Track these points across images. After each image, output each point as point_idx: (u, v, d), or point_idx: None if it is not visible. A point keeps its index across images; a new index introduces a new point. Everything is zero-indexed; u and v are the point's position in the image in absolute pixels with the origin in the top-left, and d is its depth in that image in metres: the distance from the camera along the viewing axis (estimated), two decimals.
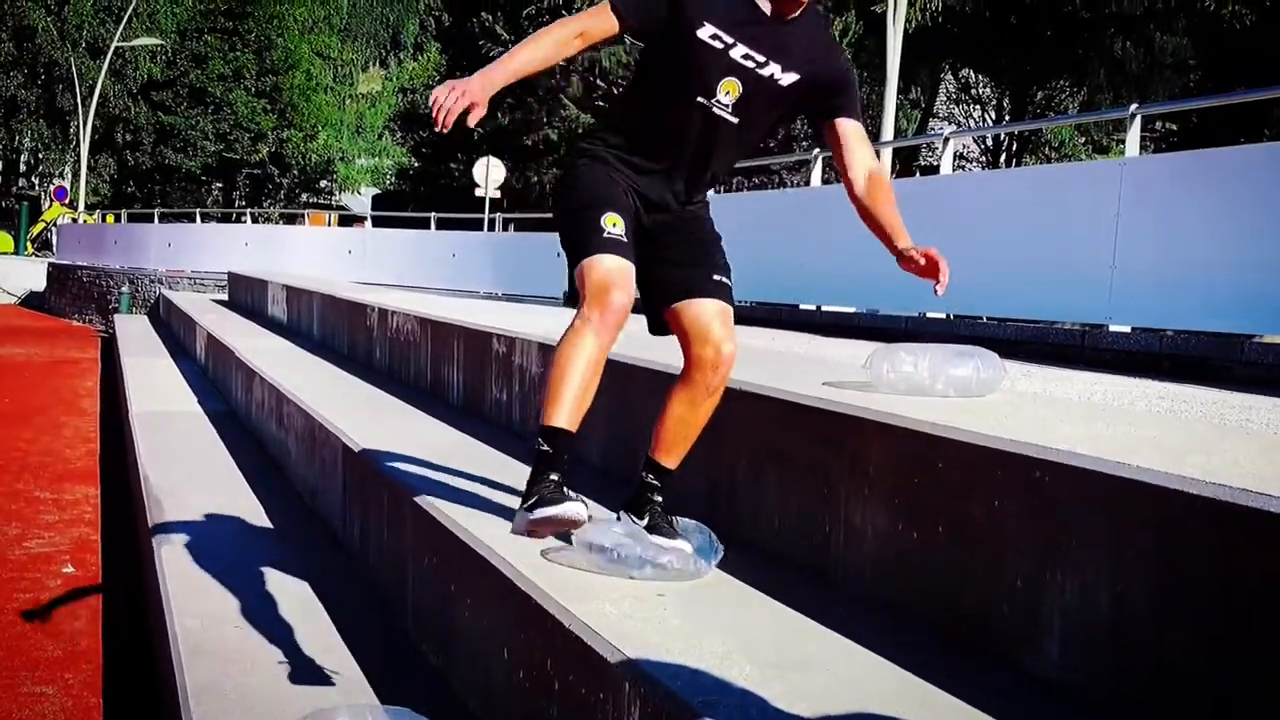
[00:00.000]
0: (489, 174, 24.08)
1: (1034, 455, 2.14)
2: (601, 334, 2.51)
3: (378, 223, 24.89)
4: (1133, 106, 7.23)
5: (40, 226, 39.13)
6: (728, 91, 2.61)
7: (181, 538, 4.51)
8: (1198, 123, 22.53)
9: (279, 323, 11.68)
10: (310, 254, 20.71)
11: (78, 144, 39.09)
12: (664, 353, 3.12)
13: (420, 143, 32.48)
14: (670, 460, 2.75)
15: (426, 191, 31.28)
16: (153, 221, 27.69)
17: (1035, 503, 2.13)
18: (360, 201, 47.24)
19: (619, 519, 2.75)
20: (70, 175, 42.88)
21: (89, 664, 4.38)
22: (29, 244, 38.83)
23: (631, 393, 3.58)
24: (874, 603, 2.52)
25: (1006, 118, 33.85)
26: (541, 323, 5.59)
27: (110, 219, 32.98)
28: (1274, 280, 5.82)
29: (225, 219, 33.47)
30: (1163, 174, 6.98)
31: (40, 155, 44.82)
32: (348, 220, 32.24)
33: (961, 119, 37.50)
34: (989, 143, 33.34)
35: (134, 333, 15.29)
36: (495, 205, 23.76)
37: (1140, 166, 6.94)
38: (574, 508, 2.46)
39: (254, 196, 42.13)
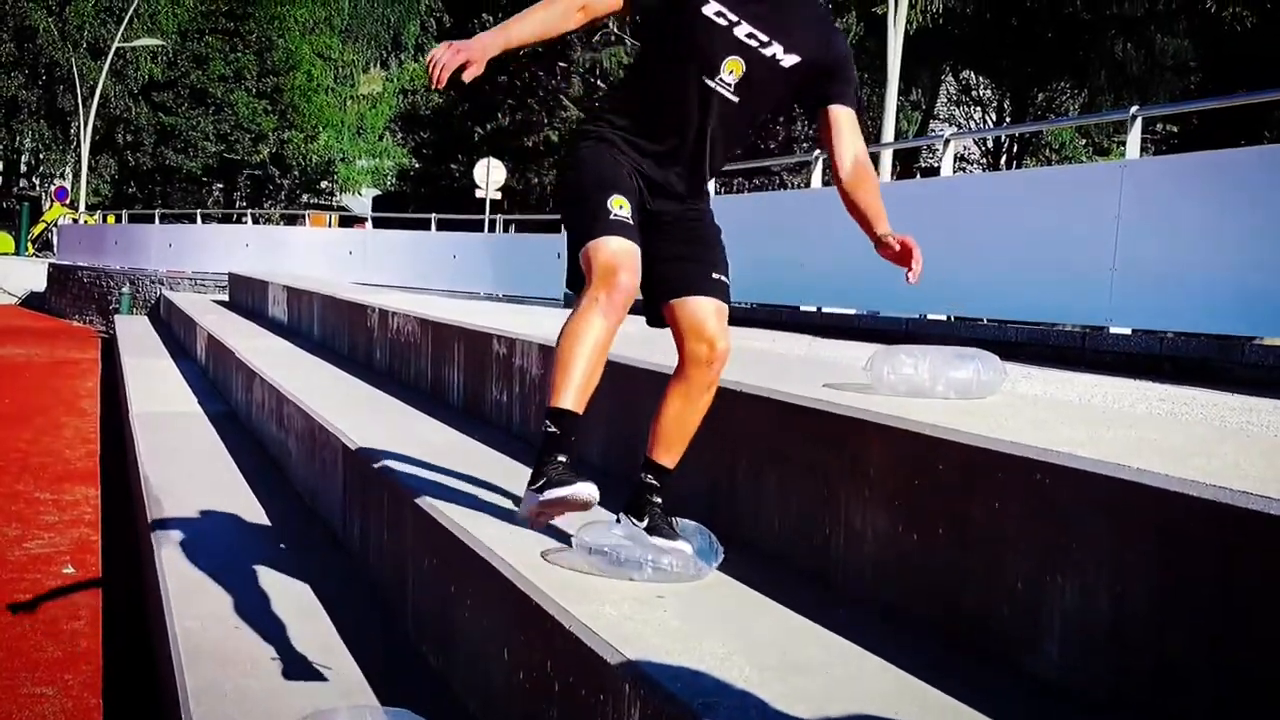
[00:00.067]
0: (489, 175, 24.14)
1: (1034, 457, 2.14)
2: (609, 315, 2.50)
3: (378, 224, 24.92)
4: (1133, 108, 7.22)
5: (41, 227, 39.12)
6: (731, 70, 2.60)
7: (182, 538, 4.51)
8: (1198, 125, 22.53)
9: (279, 323, 11.68)
10: (311, 255, 20.70)
11: (78, 144, 39.08)
12: (664, 353, 3.11)
13: (421, 144, 32.51)
14: (668, 459, 2.75)
15: (427, 193, 31.34)
16: (153, 222, 27.66)
17: (1035, 504, 2.13)
18: (361, 202, 47.21)
19: (619, 521, 2.74)
20: (71, 176, 42.88)
21: (89, 665, 4.38)
22: (30, 244, 38.82)
23: (631, 392, 3.58)
24: (874, 604, 2.52)
25: (1007, 120, 33.85)
26: (542, 324, 5.59)
27: (111, 219, 32.93)
28: (1274, 282, 5.82)
29: (226, 220, 33.44)
30: (1163, 176, 6.98)
31: (41, 156, 44.80)
32: (348, 221, 32.26)
33: (962, 121, 37.53)
34: (990, 144, 33.35)
35: (134, 333, 15.28)
36: (495, 206, 23.80)
37: (1141, 168, 6.93)
38: (586, 488, 2.45)
39: (255, 197, 42.12)
